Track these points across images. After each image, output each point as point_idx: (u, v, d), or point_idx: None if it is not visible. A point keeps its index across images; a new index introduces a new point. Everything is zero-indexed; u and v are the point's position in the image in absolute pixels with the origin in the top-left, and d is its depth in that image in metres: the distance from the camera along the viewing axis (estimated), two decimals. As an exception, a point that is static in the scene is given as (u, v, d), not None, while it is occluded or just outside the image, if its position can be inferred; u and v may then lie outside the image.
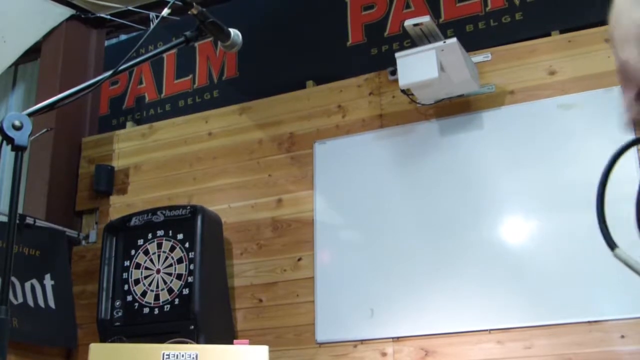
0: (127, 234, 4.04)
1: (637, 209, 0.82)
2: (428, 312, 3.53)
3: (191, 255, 3.80)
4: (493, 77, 3.78)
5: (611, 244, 0.79)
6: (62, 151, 4.73)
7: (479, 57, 3.82)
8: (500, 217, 3.57)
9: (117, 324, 3.89)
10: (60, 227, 4.44)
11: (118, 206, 4.58)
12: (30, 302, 4.06)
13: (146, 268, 3.93)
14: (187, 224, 3.88)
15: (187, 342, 3.50)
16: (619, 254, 0.78)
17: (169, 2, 2.09)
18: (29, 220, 4.20)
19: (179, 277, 3.81)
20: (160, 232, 3.95)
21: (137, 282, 3.93)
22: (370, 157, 3.92)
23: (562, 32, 3.76)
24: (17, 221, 1.71)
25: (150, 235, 3.98)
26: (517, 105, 3.68)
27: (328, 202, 3.97)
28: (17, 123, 1.65)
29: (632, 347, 3.14)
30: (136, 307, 3.87)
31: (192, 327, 3.60)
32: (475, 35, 3.99)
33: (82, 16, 5.02)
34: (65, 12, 4.94)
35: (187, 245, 3.85)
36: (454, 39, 3.44)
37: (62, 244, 4.40)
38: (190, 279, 3.76)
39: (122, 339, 3.78)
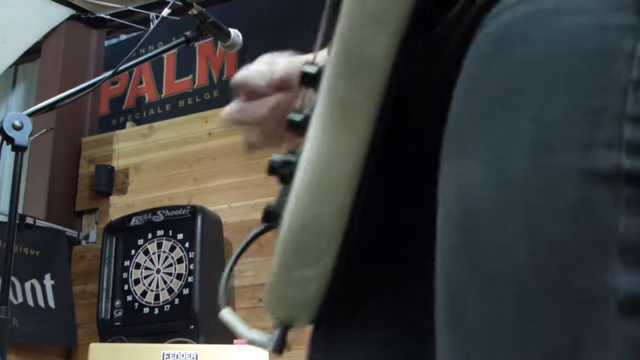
0: (127, 234, 4.04)
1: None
2: (428, 312, 3.52)
3: (191, 255, 3.80)
4: (493, 77, 3.78)
5: (222, 304, 0.73)
6: (62, 151, 4.72)
7: (479, 57, 3.81)
8: (500, 217, 3.57)
9: (117, 324, 3.88)
10: (60, 227, 4.43)
11: (118, 206, 4.57)
12: (30, 302, 4.06)
13: (146, 268, 3.93)
14: (187, 224, 3.87)
15: (187, 342, 3.50)
16: (225, 315, 0.72)
17: (169, 2, 2.10)
18: (29, 220, 4.19)
19: (179, 277, 3.81)
20: (160, 232, 3.95)
21: (137, 282, 3.92)
22: (370, 157, 3.92)
23: (562, 32, 3.75)
24: (17, 221, 1.71)
25: (150, 235, 3.98)
26: (517, 105, 3.68)
27: (328, 202, 3.96)
28: (17, 123, 1.65)
29: (632, 347, 3.14)
30: (136, 307, 3.87)
31: (192, 327, 3.60)
32: (475, 35, 3.98)
33: (82, 16, 5.02)
34: (65, 12, 4.94)
35: (187, 245, 3.85)
36: (454, 39, 3.43)
37: (62, 244, 4.39)
38: (190, 279, 3.76)
39: (122, 339, 3.78)
